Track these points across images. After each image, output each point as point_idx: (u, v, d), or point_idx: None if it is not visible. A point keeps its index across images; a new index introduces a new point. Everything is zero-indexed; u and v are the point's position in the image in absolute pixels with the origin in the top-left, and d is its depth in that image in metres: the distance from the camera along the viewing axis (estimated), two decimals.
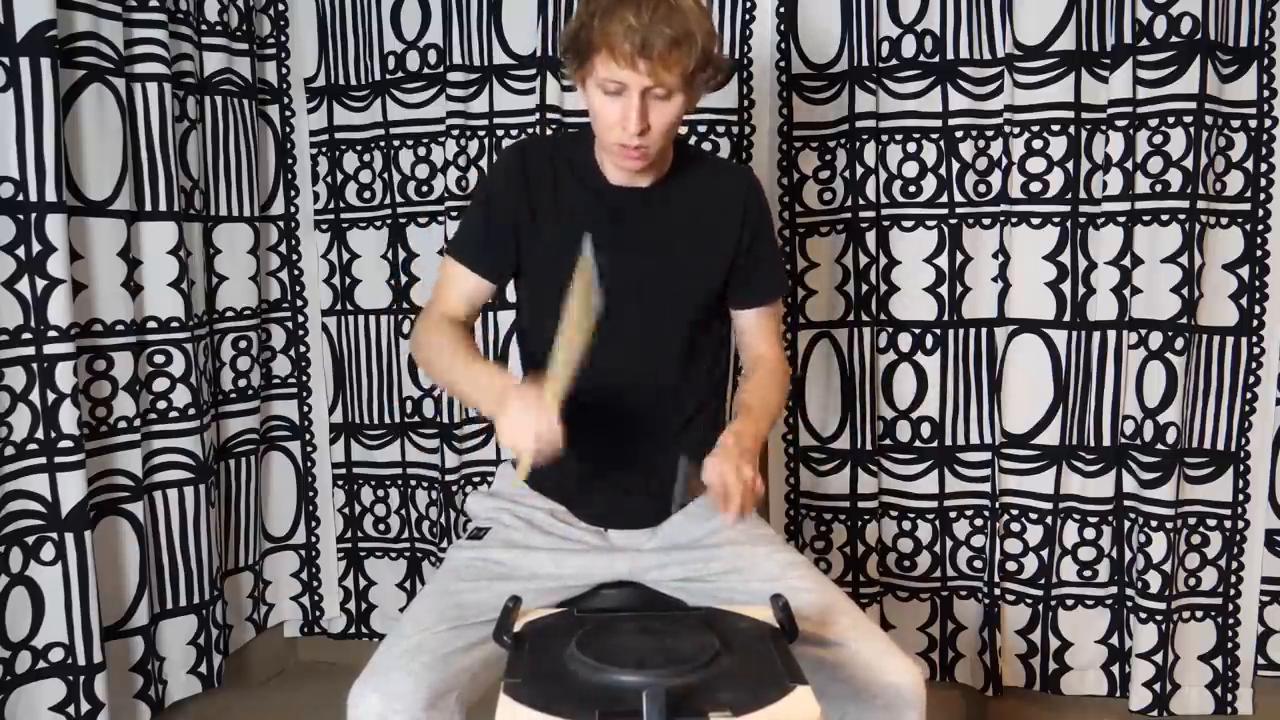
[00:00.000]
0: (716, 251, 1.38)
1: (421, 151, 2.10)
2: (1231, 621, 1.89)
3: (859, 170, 1.89)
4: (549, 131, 1.93)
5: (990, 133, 1.87)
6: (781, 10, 1.89)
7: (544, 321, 1.39)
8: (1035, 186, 1.84)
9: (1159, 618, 1.83)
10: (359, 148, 2.14)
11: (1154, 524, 1.83)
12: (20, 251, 1.54)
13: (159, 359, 1.82)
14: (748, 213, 1.39)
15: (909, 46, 1.86)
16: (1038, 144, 1.83)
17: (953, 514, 1.98)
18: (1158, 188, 1.78)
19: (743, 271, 1.39)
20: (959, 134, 1.88)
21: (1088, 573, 1.91)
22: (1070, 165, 1.83)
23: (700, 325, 1.39)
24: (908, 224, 1.91)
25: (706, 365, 1.42)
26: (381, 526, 2.25)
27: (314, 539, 2.27)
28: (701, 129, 1.93)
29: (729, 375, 1.50)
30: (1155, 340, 1.81)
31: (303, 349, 2.22)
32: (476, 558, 1.30)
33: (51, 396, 1.57)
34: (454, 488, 2.09)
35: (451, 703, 1.11)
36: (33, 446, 1.57)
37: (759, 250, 1.41)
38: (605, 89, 1.21)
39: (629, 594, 1.33)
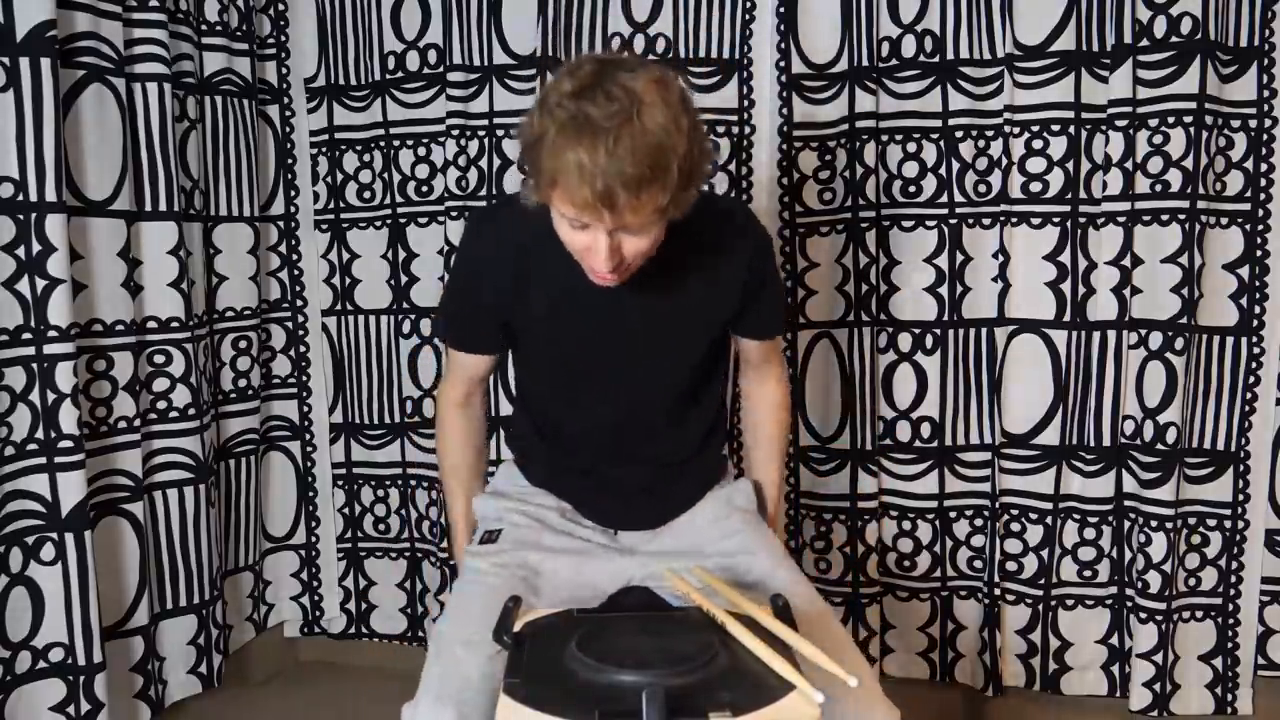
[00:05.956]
0: (719, 301, 1.32)
1: (421, 151, 2.09)
2: (1231, 621, 1.89)
3: (859, 170, 1.89)
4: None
5: (990, 133, 1.86)
6: (781, 10, 1.89)
7: (540, 383, 1.42)
8: (1035, 186, 1.84)
9: (1159, 618, 1.83)
10: (359, 148, 2.13)
11: (1154, 524, 1.83)
12: (20, 251, 1.54)
13: (159, 359, 1.82)
14: (752, 268, 1.32)
15: (909, 46, 1.86)
16: (1038, 144, 1.83)
17: (953, 514, 1.98)
18: (1158, 188, 1.78)
19: (746, 313, 1.36)
20: (959, 134, 1.88)
21: (1088, 573, 1.91)
22: (1070, 165, 1.83)
23: (703, 363, 1.37)
24: (908, 224, 1.91)
25: (710, 390, 1.42)
26: (381, 526, 2.25)
27: (314, 539, 2.27)
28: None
29: (729, 378, 1.49)
30: (1155, 340, 1.81)
31: (303, 349, 2.22)
32: (498, 564, 1.29)
33: (51, 396, 1.57)
34: None
35: None
36: (33, 446, 1.57)
37: (763, 298, 1.36)
38: (569, 223, 1.06)
39: (633, 596, 1.33)
